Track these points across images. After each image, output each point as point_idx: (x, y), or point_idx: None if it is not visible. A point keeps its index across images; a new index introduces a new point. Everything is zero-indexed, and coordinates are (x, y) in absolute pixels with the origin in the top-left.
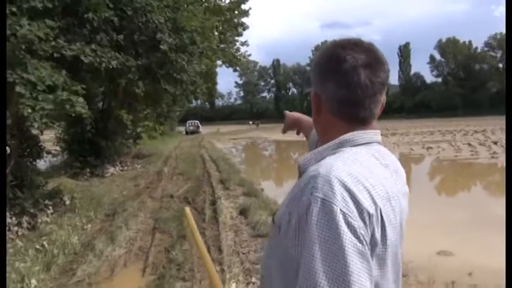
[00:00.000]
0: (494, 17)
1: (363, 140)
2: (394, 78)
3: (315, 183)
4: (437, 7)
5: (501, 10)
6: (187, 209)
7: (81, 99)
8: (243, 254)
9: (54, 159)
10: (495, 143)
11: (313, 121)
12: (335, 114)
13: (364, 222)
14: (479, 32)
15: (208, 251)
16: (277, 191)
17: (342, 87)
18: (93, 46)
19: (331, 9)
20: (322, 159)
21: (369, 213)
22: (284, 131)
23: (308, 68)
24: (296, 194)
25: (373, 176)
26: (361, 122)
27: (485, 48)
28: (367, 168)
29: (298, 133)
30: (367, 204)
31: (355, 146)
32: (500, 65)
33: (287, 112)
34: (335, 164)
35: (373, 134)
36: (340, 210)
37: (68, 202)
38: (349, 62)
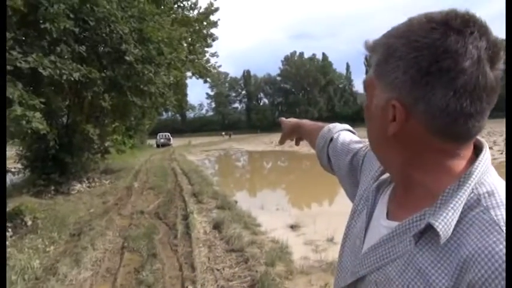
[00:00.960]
0: None
1: (489, 165)
2: (361, 87)
3: None
4: (405, 17)
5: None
6: None
7: (38, 114)
8: (217, 270)
9: (15, 177)
10: None
11: (378, 138)
12: (438, 132)
13: None
14: None
15: (181, 269)
16: (250, 202)
17: (460, 94)
18: (52, 58)
19: (299, 20)
20: (470, 211)
21: None
22: (282, 142)
23: (279, 79)
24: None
25: None
26: (469, 138)
27: None
28: None
29: (297, 143)
30: None
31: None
32: None
33: (283, 119)
34: None
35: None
36: None
37: (29, 223)
38: (471, 55)
